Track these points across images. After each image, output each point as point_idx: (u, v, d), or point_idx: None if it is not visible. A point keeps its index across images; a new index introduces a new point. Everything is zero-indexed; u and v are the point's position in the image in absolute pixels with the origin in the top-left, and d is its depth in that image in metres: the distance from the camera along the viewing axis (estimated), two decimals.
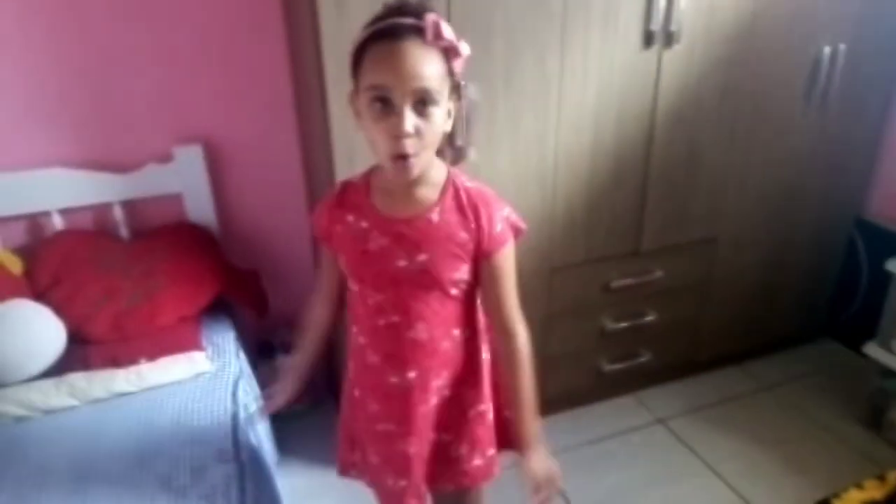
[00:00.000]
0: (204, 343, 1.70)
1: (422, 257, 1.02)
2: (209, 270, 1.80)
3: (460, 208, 1.04)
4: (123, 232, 1.89)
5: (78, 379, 1.53)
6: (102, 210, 1.89)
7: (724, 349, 2.44)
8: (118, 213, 1.87)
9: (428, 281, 1.04)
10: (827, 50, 2.03)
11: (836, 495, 1.14)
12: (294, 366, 1.35)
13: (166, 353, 1.60)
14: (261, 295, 1.99)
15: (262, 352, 2.14)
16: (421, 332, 1.07)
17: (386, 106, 0.90)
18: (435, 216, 1.02)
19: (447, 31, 0.92)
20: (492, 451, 1.21)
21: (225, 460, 1.33)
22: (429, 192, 1.03)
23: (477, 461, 1.19)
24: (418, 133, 0.91)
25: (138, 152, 1.88)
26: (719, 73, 1.93)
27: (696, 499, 1.91)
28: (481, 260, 1.06)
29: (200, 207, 1.94)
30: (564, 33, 1.70)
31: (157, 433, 1.41)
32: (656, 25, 1.78)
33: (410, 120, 0.90)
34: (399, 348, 1.08)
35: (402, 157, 0.92)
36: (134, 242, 1.86)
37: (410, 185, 1.01)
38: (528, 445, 1.12)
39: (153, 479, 1.29)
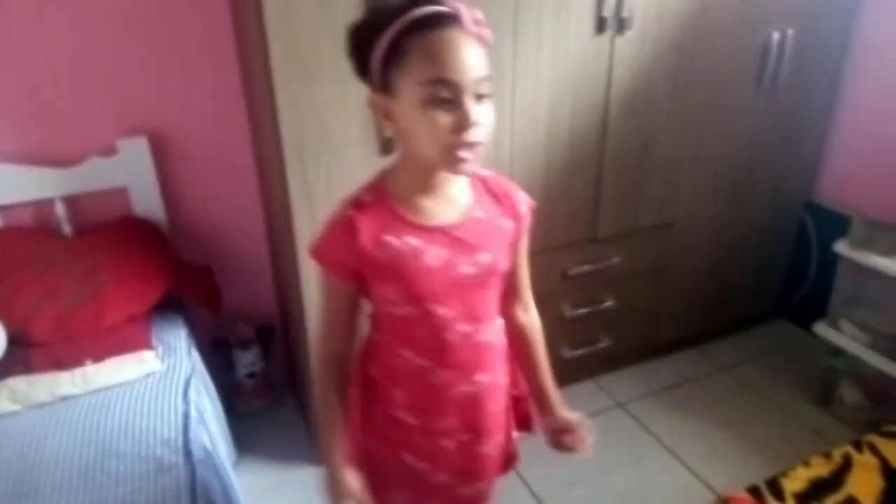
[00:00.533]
0: (153, 342, 1.65)
1: (485, 258, 0.98)
2: (158, 266, 1.74)
3: (496, 198, 1.02)
4: (66, 228, 1.81)
5: (19, 383, 1.47)
6: (43, 206, 1.80)
7: (681, 332, 2.48)
8: (60, 209, 1.79)
9: (491, 280, 1.01)
10: (776, 35, 2.06)
11: (785, 474, 1.17)
12: (342, 457, 1.03)
13: (113, 354, 1.55)
14: (213, 291, 1.93)
15: (217, 348, 2.09)
16: (487, 333, 1.04)
17: (445, 101, 0.85)
18: (479, 212, 0.99)
19: (481, 18, 0.89)
20: (515, 435, 1.20)
21: (175, 463, 1.29)
22: (462, 191, 0.99)
23: (509, 449, 1.18)
24: (481, 122, 0.87)
25: (80, 145, 1.80)
26: (671, 59, 1.95)
27: (655, 481, 1.94)
28: (516, 244, 1.05)
29: (147, 201, 1.87)
30: (517, 19, 1.69)
31: (103, 437, 1.36)
32: (608, 11, 1.78)
33: (475, 110, 0.86)
34: (471, 355, 1.03)
35: (466, 147, 0.87)
36: (77, 239, 1.79)
37: (446, 186, 0.96)
38: (559, 402, 1.16)
39: (99, 485, 1.25)
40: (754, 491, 1.14)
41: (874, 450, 1.22)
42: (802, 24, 2.10)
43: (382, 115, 0.92)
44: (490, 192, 1.02)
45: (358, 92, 1.57)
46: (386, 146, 1.65)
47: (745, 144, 2.23)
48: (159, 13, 1.79)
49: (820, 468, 1.18)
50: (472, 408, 1.05)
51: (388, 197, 0.97)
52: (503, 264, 1.02)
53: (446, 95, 0.84)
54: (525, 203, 1.05)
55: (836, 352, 2.14)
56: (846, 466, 1.18)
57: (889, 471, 1.17)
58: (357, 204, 0.96)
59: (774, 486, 1.14)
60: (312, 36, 1.49)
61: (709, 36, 1.97)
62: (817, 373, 2.23)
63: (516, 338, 1.15)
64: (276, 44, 1.47)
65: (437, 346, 1.00)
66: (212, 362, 1.92)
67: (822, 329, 2.17)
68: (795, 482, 1.15)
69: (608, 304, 2.20)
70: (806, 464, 1.19)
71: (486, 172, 1.04)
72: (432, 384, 1.03)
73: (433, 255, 0.95)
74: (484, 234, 0.98)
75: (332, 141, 1.60)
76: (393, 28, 0.85)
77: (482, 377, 1.05)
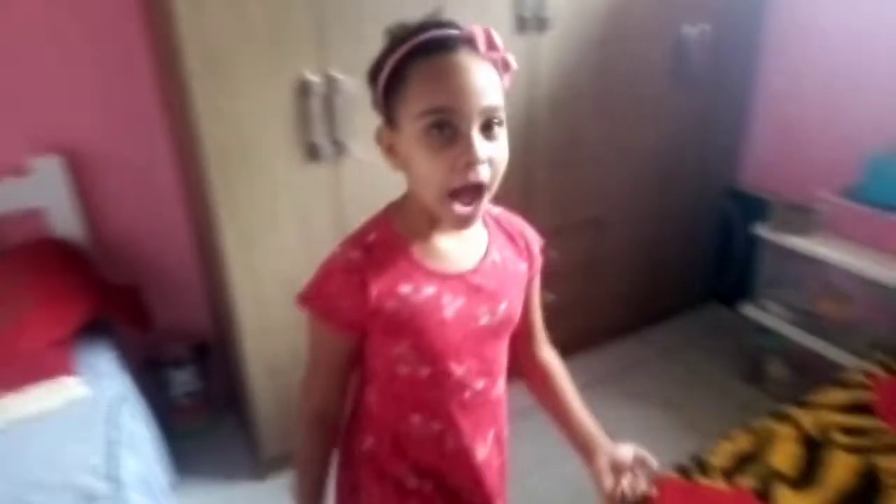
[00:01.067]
0: (78, 367, 1.57)
1: (502, 306, 0.89)
2: (80, 288, 1.67)
3: (510, 238, 0.94)
4: None
5: None
6: None
7: (621, 321, 2.54)
8: None
9: (506, 329, 0.92)
10: (692, 30, 2.15)
11: (711, 450, 1.21)
12: None
13: (34, 382, 1.48)
14: (141, 310, 1.87)
15: (151, 369, 2.03)
16: (500, 387, 0.95)
17: (445, 133, 0.74)
18: (496, 255, 0.90)
19: (499, 42, 0.79)
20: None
21: (103, 491, 1.24)
22: (477, 230, 0.89)
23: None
24: (490, 161, 0.76)
25: None
26: (593, 56, 2.00)
27: None
28: (529, 286, 0.97)
29: (66, 222, 1.80)
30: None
31: (26, 469, 1.29)
32: (529, 12, 1.81)
33: (481, 144, 0.75)
34: (486, 414, 0.94)
35: (470, 190, 0.76)
36: None
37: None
38: (606, 440, 1.00)
39: None
40: (683, 470, 1.18)
41: (791, 420, 1.28)
42: (718, 19, 2.20)
43: (386, 149, 0.82)
44: (503, 231, 0.94)
45: (278, 99, 1.57)
46: (312, 153, 1.63)
47: (669, 136, 2.31)
48: (67, 29, 1.72)
49: (743, 442, 1.23)
50: (485, 468, 0.97)
51: (398, 238, 0.85)
52: (518, 312, 0.94)
53: (442, 125, 0.74)
54: (537, 242, 0.98)
55: (763, 330, 2.24)
56: (767, 438, 1.24)
57: (806, 438, 1.23)
58: (364, 246, 0.84)
59: (701, 463, 1.19)
60: (229, 44, 1.46)
61: (629, 33, 2.04)
62: (747, 351, 2.33)
63: (540, 377, 1.05)
64: (191, 54, 1.43)
65: (451, 408, 0.90)
66: (146, 383, 1.86)
67: (748, 309, 2.27)
68: (720, 457, 1.20)
69: (548, 299, 2.23)
70: (730, 439, 1.24)
71: (495, 209, 0.95)
72: (446, 450, 0.93)
73: (450, 305, 0.85)
74: (502, 279, 0.89)
75: (255, 151, 1.57)
76: (396, 54, 0.77)
77: (491, 434, 0.97)
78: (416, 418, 0.91)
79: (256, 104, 1.54)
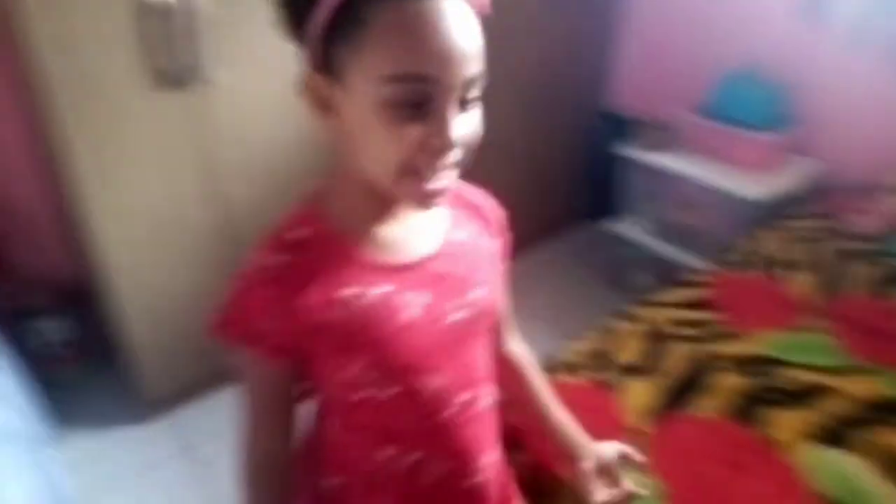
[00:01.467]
0: None
1: (475, 294, 0.74)
2: None
3: (474, 212, 0.79)
4: None
5: None
6: None
7: None
8: None
9: (484, 323, 0.76)
10: None
11: (567, 349, 1.34)
12: None
13: None
14: None
15: (18, 319, 1.91)
16: (488, 395, 0.79)
17: (414, 102, 0.58)
18: (461, 233, 0.75)
19: None
20: None
21: None
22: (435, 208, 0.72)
23: None
24: (464, 141, 0.62)
25: None
26: None
27: None
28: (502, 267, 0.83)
29: None
30: None
31: None
32: None
33: (457, 123, 0.60)
34: (474, 433, 0.77)
35: (435, 171, 0.62)
36: None
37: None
38: (587, 439, 0.93)
39: None
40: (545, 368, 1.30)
41: (636, 318, 1.43)
42: None
43: (318, 104, 0.63)
44: (464, 204, 0.79)
45: (117, 20, 1.44)
46: (163, 80, 1.54)
47: (541, 57, 2.36)
48: None
49: (594, 340, 1.37)
50: (484, 493, 0.81)
51: (332, 230, 0.68)
52: (496, 299, 0.79)
53: (420, 98, 0.58)
54: (502, 215, 0.85)
55: (629, 243, 2.43)
56: (614, 335, 1.38)
57: (648, 333, 1.39)
58: (287, 246, 0.67)
59: (552, 363, 1.31)
60: None
61: None
62: (615, 263, 2.52)
63: (512, 373, 0.93)
64: None
65: (431, 431, 0.74)
66: (15, 334, 1.76)
67: (615, 224, 2.44)
68: (574, 355, 1.32)
69: None
70: (582, 338, 1.37)
71: None
72: (429, 483, 0.76)
73: (413, 303, 0.69)
74: (470, 262, 0.75)
75: (99, 80, 1.47)
76: None
77: (486, 459, 0.80)
78: (389, 450, 0.74)
79: (94, 27, 1.42)
